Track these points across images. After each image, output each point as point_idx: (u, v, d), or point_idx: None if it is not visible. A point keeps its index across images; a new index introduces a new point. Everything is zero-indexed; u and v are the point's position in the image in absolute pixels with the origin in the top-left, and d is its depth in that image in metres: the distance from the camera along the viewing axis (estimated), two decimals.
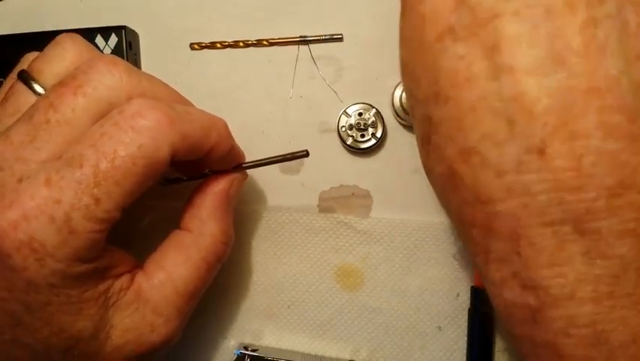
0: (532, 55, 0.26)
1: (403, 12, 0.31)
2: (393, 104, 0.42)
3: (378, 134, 0.42)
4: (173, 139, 0.31)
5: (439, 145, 0.29)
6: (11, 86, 0.34)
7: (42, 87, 0.34)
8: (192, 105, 0.38)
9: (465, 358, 0.42)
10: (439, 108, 0.28)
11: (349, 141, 0.42)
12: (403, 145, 0.43)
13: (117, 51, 0.44)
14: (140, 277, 0.34)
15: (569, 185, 0.25)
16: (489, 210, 0.28)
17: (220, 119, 0.36)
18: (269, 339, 0.45)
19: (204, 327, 0.45)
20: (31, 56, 0.36)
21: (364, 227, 0.43)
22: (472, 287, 0.42)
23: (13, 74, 0.36)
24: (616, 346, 0.25)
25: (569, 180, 0.25)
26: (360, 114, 0.42)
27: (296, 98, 0.44)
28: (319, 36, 0.43)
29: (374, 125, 0.42)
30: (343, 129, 0.43)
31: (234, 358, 0.42)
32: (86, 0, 0.47)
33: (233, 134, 0.37)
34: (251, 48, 0.44)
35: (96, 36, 0.44)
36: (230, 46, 0.45)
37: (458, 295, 0.42)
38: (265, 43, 0.44)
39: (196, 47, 0.45)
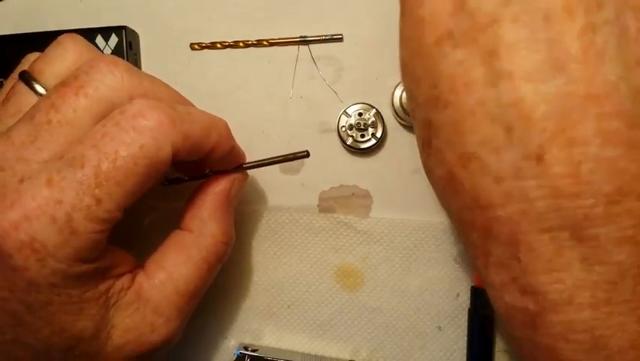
0: (530, 61, 0.25)
1: (403, 14, 0.31)
2: (393, 104, 0.42)
3: (378, 135, 0.42)
4: (175, 139, 0.31)
5: (440, 149, 0.29)
6: (12, 87, 0.34)
7: (43, 88, 0.34)
8: (193, 105, 0.38)
9: (465, 358, 0.42)
10: (439, 112, 0.28)
11: (349, 141, 0.43)
12: (403, 145, 0.43)
13: (117, 51, 0.44)
14: (140, 277, 0.34)
15: (567, 192, 0.25)
16: (488, 215, 0.28)
17: (221, 120, 0.36)
18: (269, 339, 0.45)
19: (204, 327, 0.45)
20: (32, 56, 0.36)
21: (364, 227, 0.43)
22: (472, 287, 0.42)
23: (15, 75, 0.36)
24: (614, 351, 0.26)
25: (567, 187, 0.25)
26: (360, 114, 0.42)
27: (296, 98, 0.44)
28: (319, 36, 0.43)
29: (374, 125, 0.42)
30: (343, 129, 0.43)
31: (234, 358, 0.42)
32: (86, 0, 0.47)
33: (233, 134, 0.37)
34: (251, 48, 0.44)
35: (96, 36, 0.44)
36: (230, 46, 0.45)
37: (458, 295, 0.42)
38: (265, 43, 0.44)
39: (196, 47, 0.45)
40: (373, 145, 0.42)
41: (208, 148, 0.34)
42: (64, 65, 0.34)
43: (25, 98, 0.34)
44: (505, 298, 0.29)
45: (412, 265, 0.43)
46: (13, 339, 0.30)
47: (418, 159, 0.42)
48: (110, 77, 0.32)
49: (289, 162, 0.43)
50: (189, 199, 0.37)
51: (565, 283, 0.26)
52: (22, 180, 0.30)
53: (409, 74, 0.31)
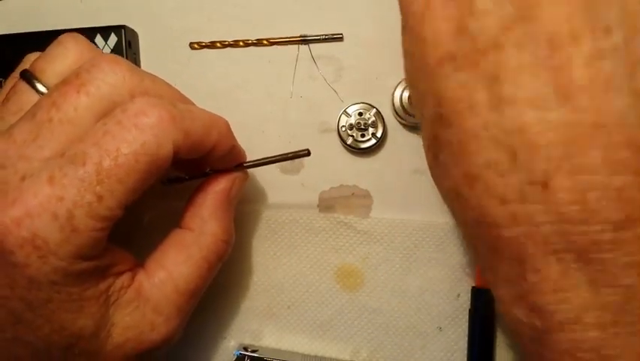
0: (534, 87, 0.25)
1: (404, 28, 0.30)
2: (393, 104, 0.42)
3: (379, 134, 0.42)
4: (176, 137, 0.31)
5: (446, 163, 0.29)
6: (14, 86, 0.35)
7: (44, 86, 0.34)
8: (193, 104, 0.38)
9: (466, 359, 0.42)
10: (444, 130, 0.28)
11: (349, 141, 0.42)
12: (403, 145, 0.43)
13: (116, 51, 0.44)
14: (140, 276, 0.34)
15: (573, 218, 0.25)
16: (494, 234, 0.27)
17: (221, 118, 0.36)
18: (269, 340, 0.45)
19: (204, 328, 0.45)
20: (33, 56, 0.36)
21: (364, 227, 0.43)
22: (473, 288, 0.42)
23: (15, 74, 0.36)
24: None
25: (573, 214, 0.25)
26: (360, 114, 0.42)
27: (296, 98, 0.44)
28: (319, 36, 0.43)
29: (374, 125, 0.42)
30: (343, 129, 0.43)
31: (234, 359, 0.42)
32: (85, 0, 0.47)
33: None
34: (251, 48, 0.44)
35: (95, 36, 0.44)
36: (230, 45, 0.45)
37: (459, 295, 0.42)
38: (265, 42, 0.44)
39: (196, 46, 0.45)
40: (373, 145, 0.42)
41: (209, 146, 0.34)
42: (66, 64, 0.34)
43: (26, 97, 0.34)
44: (514, 313, 0.28)
45: (412, 265, 0.43)
46: (13, 337, 0.30)
47: (418, 159, 0.42)
48: (111, 76, 0.32)
49: (289, 162, 0.43)
50: (190, 198, 0.37)
51: (571, 304, 0.26)
52: (23, 178, 0.30)
53: (414, 86, 0.31)
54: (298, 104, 0.44)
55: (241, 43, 0.44)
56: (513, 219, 0.26)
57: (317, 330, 0.44)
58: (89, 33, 0.43)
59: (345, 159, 0.44)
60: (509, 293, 0.28)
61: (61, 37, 0.35)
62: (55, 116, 0.31)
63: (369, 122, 0.42)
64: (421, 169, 0.42)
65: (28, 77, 0.34)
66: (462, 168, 0.28)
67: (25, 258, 0.28)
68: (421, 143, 0.41)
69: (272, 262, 0.44)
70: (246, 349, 0.42)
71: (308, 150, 0.36)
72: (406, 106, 0.41)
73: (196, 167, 0.37)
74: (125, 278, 0.33)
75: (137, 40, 0.46)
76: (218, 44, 0.45)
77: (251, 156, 0.39)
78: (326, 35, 0.43)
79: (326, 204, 0.44)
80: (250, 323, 0.45)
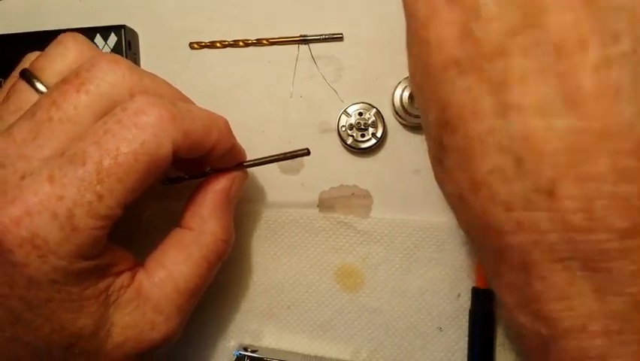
0: (541, 94, 0.25)
1: (408, 30, 0.30)
2: (393, 104, 0.42)
3: (379, 134, 0.42)
4: (176, 136, 0.31)
5: (450, 168, 0.29)
6: (13, 85, 0.34)
7: (44, 85, 0.34)
8: (193, 103, 0.38)
9: (466, 359, 0.42)
10: (449, 135, 0.28)
11: (349, 141, 0.42)
12: (403, 145, 0.43)
13: (116, 51, 0.44)
14: (140, 275, 0.34)
15: (580, 226, 0.24)
16: (499, 241, 0.27)
17: (221, 117, 0.36)
18: (269, 340, 0.44)
19: (204, 328, 0.45)
20: (32, 55, 0.36)
21: (364, 227, 0.43)
22: (473, 288, 0.42)
23: (15, 73, 0.36)
24: None
25: (580, 222, 0.24)
26: (360, 114, 0.42)
27: (296, 98, 0.44)
28: (319, 35, 0.43)
29: (374, 124, 0.42)
30: (343, 129, 0.42)
31: (234, 359, 0.42)
32: (85, 0, 0.47)
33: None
34: (251, 47, 0.44)
35: (95, 36, 0.44)
36: (229, 45, 0.45)
37: (459, 295, 0.42)
38: (265, 42, 0.44)
39: (195, 46, 0.45)
40: (373, 145, 0.42)
41: (209, 145, 0.34)
42: (65, 63, 0.34)
43: (26, 96, 0.34)
44: (519, 319, 0.28)
45: (412, 265, 0.43)
46: (13, 337, 0.30)
47: (419, 159, 0.42)
48: (111, 75, 0.32)
49: (289, 162, 0.43)
50: (190, 197, 0.37)
51: (577, 311, 0.25)
52: (23, 177, 0.29)
53: (419, 89, 0.30)
54: (298, 104, 0.44)
55: (241, 43, 0.44)
56: (518, 227, 0.26)
57: (317, 330, 0.44)
58: (89, 33, 0.43)
59: (345, 159, 0.44)
60: (514, 299, 0.28)
61: (61, 37, 0.35)
62: (55, 115, 0.31)
63: (369, 122, 0.42)
64: (421, 169, 0.42)
65: (28, 77, 0.34)
66: (467, 173, 0.27)
67: (24, 257, 0.28)
68: (421, 143, 0.42)
69: (272, 262, 0.44)
70: (245, 349, 0.42)
71: (307, 149, 0.36)
72: (406, 106, 0.41)
73: (196, 166, 0.37)
74: (124, 278, 0.33)
75: (137, 40, 0.46)
76: (218, 44, 0.45)
77: (251, 155, 0.39)
78: (326, 35, 0.43)
79: (326, 204, 0.44)
80: (250, 323, 0.45)
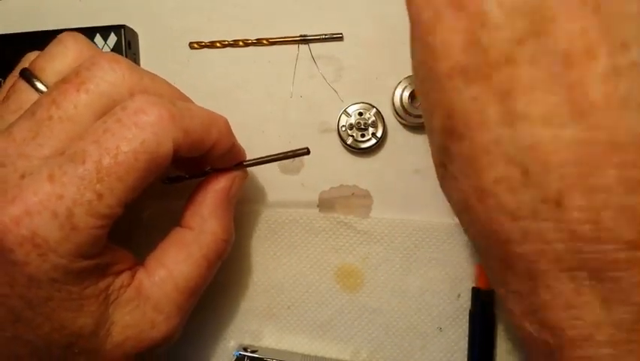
0: (548, 104, 0.24)
1: (413, 35, 0.30)
2: (393, 104, 0.42)
3: (379, 134, 0.42)
4: (176, 135, 0.31)
5: (455, 175, 0.28)
6: (13, 84, 0.35)
7: (44, 85, 0.34)
8: (193, 103, 0.38)
9: (466, 359, 0.42)
10: (454, 143, 0.28)
11: (349, 141, 0.42)
12: (403, 145, 0.43)
13: (116, 50, 0.44)
14: (140, 274, 0.34)
15: (587, 236, 0.24)
16: (505, 249, 0.27)
17: (221, 117, 0.36)
18: (268, 340, 0.44)
19: (204, 328, 0.45)
20: (32, 55, 0.36)
21: (364, 227, 0.43)
22: (474, 288, 0.41)
23: (15, 73, 0.36)
24: None
25: (587, 232, 0.24)
26: (360, 114, 0.42)
27: (296, 98, 0.44)
28: (319, 35, 0.43)
29: (374, 124, 0.42)
30: (343, 129, 0.42)
31: (234, 359, 0.42)
32: (85, 0, 0.47)
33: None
34: (250, 47, 0.44)
35: (95, 35, 0.44)
36: (229, 45, 0.45)
37: (459, 295, 0.42)
38: (265, 42, 0.44)
39: (195, 46, 0.45)
40: (373, 145, 0.42)
41: (209, 144, 0.34)
42: (65, 63, 0.34)
43: (25, 96, 0.34)
44: (525, 327, 0.28)
45: (412, 265, 0.43)
46: (13, 336, 0.30)
47: (419, 159, 0.42)
48: (111, 74, 0.32)
49: (289, 162, 0.43)
50: (190, 197, 0.37)
51: (584, 321, 0.25)
52: (23, 176, 0.29)
53: (424, 95, 0.30)
54: (298, 104, 0.44)
55: (241, 43, 0.44)
56: (525, 236, 0.26)
57: (317, 330, 0.44)
58: (89, 33, 0.43)
59: (345, 159, 0.44)
60: (520, 307, 0.28)
61: (61, 36, 0.35)
62: (54, 114, 0.31)
63: (370, 122, 0.42)
64: (421, 169, 0.42)
65: (28, 76, 0.34)
66: (472, 181, 0.27)
67: (24, 256, 0.28)
68: (422, 143, 0.42)
69: (272, 262, 0.44)
70: (245, 349, 0.42)
71: (307, 148, 0.36)
72: (406, 106, 0.41)
73: (196, 165, 0.37)
74: (125, 277, 0.33)
75: (137, 40, 0.46)
76: (218, 44, 0.45)
77: (251, 155, 0.39)
78: (326, 35, 0.43)
79: (326, 204, 0.44)
80: (250, 324, 0.45)
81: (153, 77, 0.35)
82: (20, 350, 0.31)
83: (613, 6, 0.23)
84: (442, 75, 0.27)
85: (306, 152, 0.36)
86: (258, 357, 0.42)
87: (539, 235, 0.25)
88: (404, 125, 0.43)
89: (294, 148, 0.37)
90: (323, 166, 0.44)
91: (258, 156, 0.38)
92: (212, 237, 0.36)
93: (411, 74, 0.41)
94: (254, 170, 0.40)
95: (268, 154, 0.38)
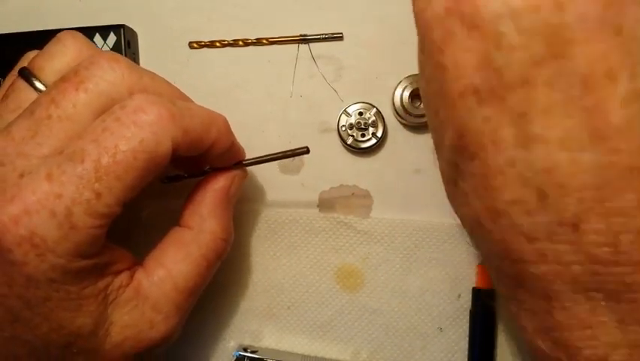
0: (566, 127, 0.24)
1: (421, 51, 0.29)
2: (393, 104, 0.42)
3: (379, 134, 0.42)
4: (175, 134, 0.31)
5: (466, 192, 0.28)
6: (12, 83, 0.34)
7: (43, 84, 0.34)
8: (192, 102, 0.38)
9: (466, 359, 0.42)
10: (466, 161, 0.27)
11: (349, 141, 0.42)
12: (403, 145, 0.43)
13: (115, 50, 0.44)
14: (139, 274, 0.34)
15: (604, 259, 0.24)
16: (520, 269, 0.27)
17: (220, 116, 0.36)
18: (268, 340, 0.44)
19: (203, 328, 0.45)
20: (31, 54, 0.36)
21: (364, 227, 0.43)
22: (474, 288, 0.41)
23: (14, 72, 0.36)
24: None
25: (605, 255, 0.24)
26: (360, 114, 0.42)
27: (296, 98, 0.44)
28: (319, 35, 0.43)
29: (374, 124, 0.42)
30: (343, 129, 0.42)
31: (233, 359, 0.42)
32: None
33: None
34: (250, 47, 0.44)
35: (94, 35, 0.44)
36: (229, 45, 0.44)
37: (459, 296, 0.42)
38: (265, 42, 0.44)
39: (195, 45, 0.45)
40: (374, 145, 0.42)
41: (208, 144, 0.34)
42: (64, 62, 0.34)
43: (24, 95, 0.34)
44: (537, 344, 0.28)
45: (412, 265, 0.43)
46: (12, 336, 0.30)
47: (419, 159, 0.42)
48: (110, 73, 0.32)
49: (289, 162, 0.43)
50: (189, 196, 0.37)
51: (599, 340, 0.25)
52: (22, 175, 0.29)
53: (433, 111, 0.29)
54: (298, 104, 0.44)
55: (241, 43, 0.44)
56: (541, 257, 0.26)
57: (317, 331, 0.44)
58: (88, 32, 0.43)
59: (345, 159, 0.44)
60: (533, 325, 0.28)
61: (60, 35, 0.35)
62: (53, 113, 0.31)
63: (370, 121, 0.42)
64: (421, 169, 0.42)
65: (27, 75, 0.34)
66: (485, 201, 0.27)
67: (23, 256, 0.28)
68: (422, 143, 0.42)
69: (272, 262, 0.44)
70: (245, 350, 0.42)
71: (307, 147, 0.36)
72: (406, 105, 0.41)
73: (195, 165, 0.37)
74: (123, 277, 0.33)
75: (137, 39, 0.46)
76: (218, 44, 0.45)
77: (250, 155, 0.39)
78: (326, 35, 0.43)
79: (326, 204, 0.44)
80: (250, 324, 0.44)
81: (153, 76, 0.35)
82: (19, 350, 0.31)
83: (635, 30, 0.23)
84: (454, 94, 0.26)
85: (306, 151, 0.36)
86: (257, 357, 0.42)
87: (555, 256, 0.25)
88: (404, 125, 0.42)
89: (293, 148, 0.37)
90: (323, 166, 0.44)
91: (258, 156, 0.38)
92: (212, 236, 0.36)
93: (411, 73, 0.41)
94: (253, 169, 0.40)
95: (268, 153, 0.38)
